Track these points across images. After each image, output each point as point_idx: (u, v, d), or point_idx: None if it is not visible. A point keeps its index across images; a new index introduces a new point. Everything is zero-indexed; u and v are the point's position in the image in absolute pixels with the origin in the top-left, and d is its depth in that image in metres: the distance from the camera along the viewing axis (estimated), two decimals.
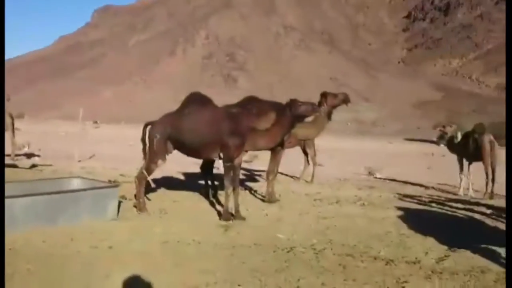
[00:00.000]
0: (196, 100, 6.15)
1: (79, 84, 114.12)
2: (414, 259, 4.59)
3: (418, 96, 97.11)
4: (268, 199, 7.18)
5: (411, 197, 8.49)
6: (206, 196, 7.29)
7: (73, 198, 5.08)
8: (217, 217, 6.04)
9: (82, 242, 4.52)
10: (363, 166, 14.90)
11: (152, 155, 6.00)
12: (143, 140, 6.13)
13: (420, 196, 8.64)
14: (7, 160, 11.70)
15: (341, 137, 37.47)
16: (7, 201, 4.56)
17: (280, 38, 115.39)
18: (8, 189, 5.20)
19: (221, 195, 7.17)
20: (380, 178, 12.77)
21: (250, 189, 8.53)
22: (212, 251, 4.50)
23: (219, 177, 7.93)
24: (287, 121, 6.10)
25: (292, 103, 6.05)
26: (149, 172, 6.06)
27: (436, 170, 17.10)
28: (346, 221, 6.04)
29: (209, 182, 7.47)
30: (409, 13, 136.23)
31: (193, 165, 10.66)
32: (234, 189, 5.97)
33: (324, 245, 4.87)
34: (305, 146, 9.87)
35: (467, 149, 9.40)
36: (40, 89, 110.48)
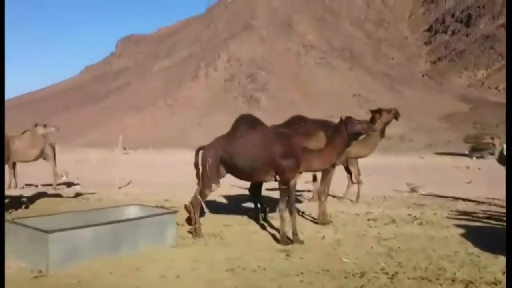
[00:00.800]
0: (247, 123, 6.06)
1: (105, 112, 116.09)
2: (493, 279, 4.36)
3: (445, 109, 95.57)
4: (321, 220, 6.98)
5: (467, 213, 8.18)
6: (256, 219, 7.14)
7: (134, 226, 5.02)
8: (274, 241, 5.88)
9: (148, 271, 4.43)
10: (401, 182, 14.56)
11: (205, 180, 5.91)
12: (196, 165, 6.06)
13: (475, 212, 8.33)
14: (50, 190, 11.86)
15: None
16: (72, 233, 4.52)
17: (301, 57, 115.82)
18: (69, 220, 5.20)
19: (273, 218, 7.04)
20: (424, 195, 12.44)
21: (297, 211, 8.35)
22: (281, 278, 4.35)
23: (267, 199, 7.83)
24: (342, 140, 5.91)
25: (348, 121, 5.88)
26: (203, 197, 5.98)
27: (476, 184, 16.57)
28: (409, 242, 5.81)
29: (258, 205, 7.33)
30: (430, 26, 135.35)
31: (232, 188, 10.61)
32: (290, 212, 5.82)
33: (394, 268, 4.67)
34: (348, 164, 9.65)
35: None
36: (68, 117, 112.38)
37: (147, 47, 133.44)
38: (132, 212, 5.77)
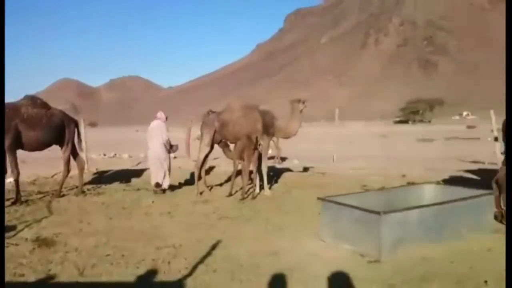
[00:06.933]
0: None
1: (276, 88, 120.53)
2: None
3: None
4: None
5: None
6: None
7: (455, 208, 4.39)
8: None
9: (494, 263, 3.77)
10: None
11: None
12: (505, 138, 5.13)
13: None
14: (276, 164, 12.16)
15: None
16: (402, 214, 4.08)
17: (486, 12, 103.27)
18: (372, 199, 4.82)
19: None
20: None
21: None
22: None
23: None
24: None
25: None
26: None
27: None
28: None
29: None
30: None
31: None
32: None
33: None
34: None
35: None
36: (242, 95, 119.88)
37: (314, 19, 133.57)
38: (432, 191, 5.17)
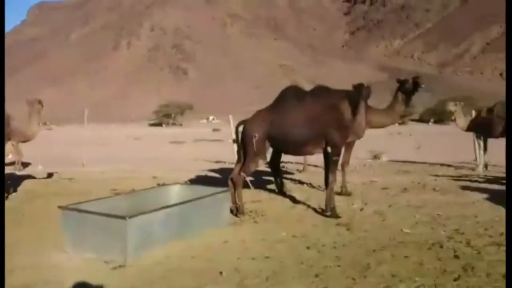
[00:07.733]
0: (294, 95, 5.85)
1: (20, 84, 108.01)
2: None
3: (364, 78, 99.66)
4: (344, 191, 7.03)
5: (461, 178, 8.68)
6: (282, 194, 7.01)
7: (198, 206, 4.70)
8: (320, 215, 5.79)
9: (226, 253, 4.21)
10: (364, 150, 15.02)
11: (251, 155, 5.67)
12: (236, 141, 5.79)
13: (469, 176, 8.87)
14: (17, 171, 10.91)
15: None
16: (148, 217, 4.14)
17: (227, 27, 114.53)
18: (119, 203, 4.77)
19: (291, 191, 7.06)
20: (393, 161, 13.05)
21: (300, 182, 8.36)
22: (368, 253, 4.28)
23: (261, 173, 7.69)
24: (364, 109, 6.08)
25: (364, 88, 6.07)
26: (247, 173, 5.73)
27: (425, 149, 17.72)
28: (444, 209, 5.98)
29: (278, 179, 7.19)
30: None
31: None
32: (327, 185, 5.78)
33: (460, 236, 4.77)
34: None
35: (491, 126, 9.69)
36: None
37: (61, 14, 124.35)
38: (179, 191, 5.40)
